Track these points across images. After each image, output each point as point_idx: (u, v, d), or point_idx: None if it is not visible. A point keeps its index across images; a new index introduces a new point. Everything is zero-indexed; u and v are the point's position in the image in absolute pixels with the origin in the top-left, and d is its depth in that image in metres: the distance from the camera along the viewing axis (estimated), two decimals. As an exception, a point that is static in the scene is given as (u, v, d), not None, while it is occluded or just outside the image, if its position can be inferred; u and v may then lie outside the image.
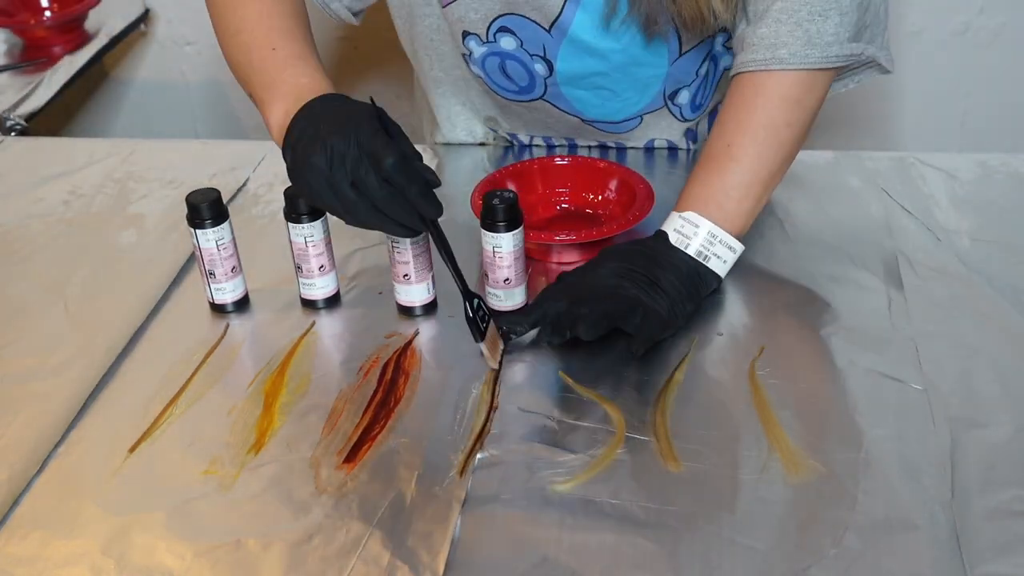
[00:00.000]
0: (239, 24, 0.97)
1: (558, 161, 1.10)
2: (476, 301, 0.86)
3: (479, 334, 0.86)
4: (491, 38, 1.06)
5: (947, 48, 1.86)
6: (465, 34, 1.07)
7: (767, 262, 1.01)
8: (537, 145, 1.23)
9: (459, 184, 1.16)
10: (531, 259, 1.02)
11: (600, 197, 1.08)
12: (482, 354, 0.87)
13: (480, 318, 0.87)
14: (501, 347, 0.89)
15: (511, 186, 1.06)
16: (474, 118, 1.22)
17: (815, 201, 1.11)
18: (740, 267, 0.98)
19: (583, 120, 1.14)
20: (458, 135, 1.24)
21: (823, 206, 1.10)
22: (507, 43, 1.06)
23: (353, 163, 0.80)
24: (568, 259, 1.02)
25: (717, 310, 0.95)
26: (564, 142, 1.22)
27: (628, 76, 1.08)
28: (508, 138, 1.23)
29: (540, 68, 1.07)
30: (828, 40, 0.92)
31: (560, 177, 1.10)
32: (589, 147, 1.22)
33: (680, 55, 1.07)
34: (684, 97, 1.13)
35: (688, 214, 0.93)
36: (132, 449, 0.83)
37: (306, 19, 1.00)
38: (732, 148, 0.94)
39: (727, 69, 1.15)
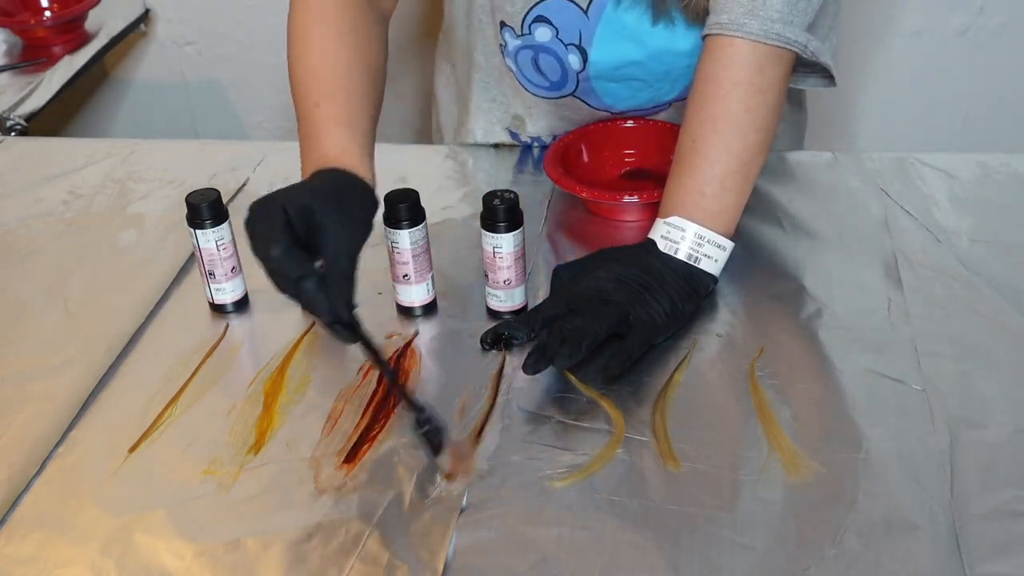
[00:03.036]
0: (302, 66, 0.94)
1: (625, 124, 1.15)
2: (425, 415, 0.79)
3: (435, 449, 0.79)
4: (526, 30, 1.07)
5: (947, 48, 1.86)
6: (502, 24, 1.08)
7: (766, 262, 1.01)
8: None
9: (465, 184, 1.16)
10: (598, 216, 1.09)
11: (667, 159, 1.09)
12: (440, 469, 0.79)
13: (429, 431, 0.79)
14: (473, 458, 0.80)
15: (583, 147, 1.14)
16: (500, 118, 1.21)
17: (814, 201, 1.11)
18: (739, 268, 0.98)
19: (613, 113, 1.15)
20: (476, 135, 1.23)
21: (822, 206, 1.10)
22: (542, 35, 1.07)
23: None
24: (631, 218, 1.08)
25: (716, 311, 0.95)
26: None
27: (663, 65, 1.07)
28: (529, 141, 1.22)
29: (574, 60, 1.07)
30: (772, 16, 0.91)
31: (628, 139, 1.15)
32: None
33: None
34: None
35: (673, 219, 0.93)
36: (132, 449, 0.83)
37: (374, 67, 0.97)
38: (697, 144, 0.94)
39: None
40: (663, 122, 1.14)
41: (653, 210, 0.98)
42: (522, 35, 1.08)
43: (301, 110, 0.92)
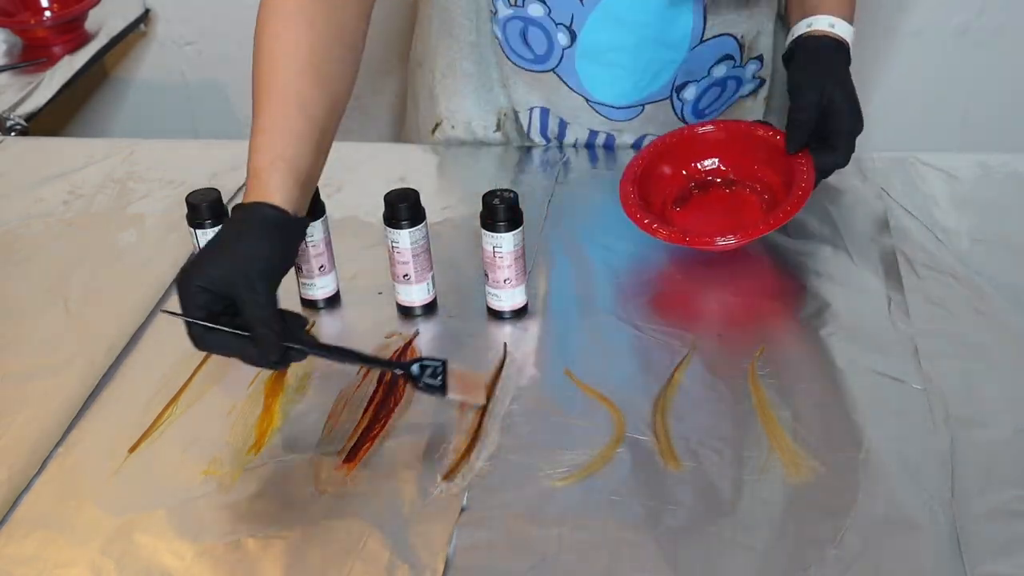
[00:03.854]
0: (259, 56, 0.88)
1: (701, 130, 1.07)
2: (416, 366, 0.80)
3: (441, 390, 0.80)
4: (519, 2, 1.08)
5: (947, 48, 1.86)
6: None
7: (767, 262, 1.01)
8: (534, 144, 1.23)
9: (466, 184, 1.16)
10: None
11: (748, 166, 1.06)
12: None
13: (430, 377, 0.80)
14: (483, 379, 0.85)
15: (663, 164, 1.05)
16: (481, 93, 1.20)
17: (815, 201, 1.10)
18: (739, 268, 0.98)
19: (587, 100, 1.15)
20: (458, 120, 1.22)
21: (823, 206, 1.10)
22: (535, 10, 1.08)
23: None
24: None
25: (717, 311, 0.95)
26: (557, 121, 1.20)
27: (646, 55, 1.09)
28: (512, 117, 1.21)
29: (562, 38, 1.09)
30: None
31: (706, 147, 1.07)
32: (576, 143, 1.21)
33: (701, 41, 1.08)
34: (691, 93, 1.13)
35: (851, 29, 1.03)
36: (132, 449, 0.83)
37: (341, 66, 0.89)
38: None
39: (743, 97, 1.17)
40: (741, 122, 1.08)
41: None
42: (515, 6, 1.09)
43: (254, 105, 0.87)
